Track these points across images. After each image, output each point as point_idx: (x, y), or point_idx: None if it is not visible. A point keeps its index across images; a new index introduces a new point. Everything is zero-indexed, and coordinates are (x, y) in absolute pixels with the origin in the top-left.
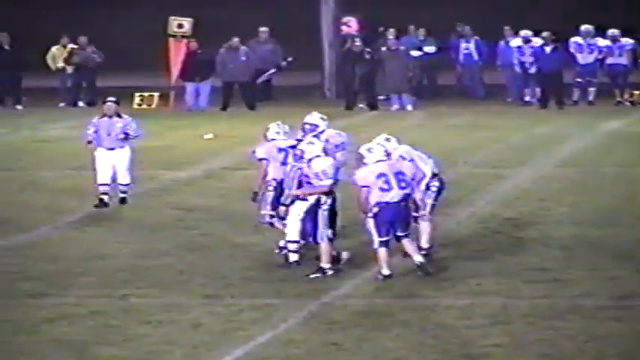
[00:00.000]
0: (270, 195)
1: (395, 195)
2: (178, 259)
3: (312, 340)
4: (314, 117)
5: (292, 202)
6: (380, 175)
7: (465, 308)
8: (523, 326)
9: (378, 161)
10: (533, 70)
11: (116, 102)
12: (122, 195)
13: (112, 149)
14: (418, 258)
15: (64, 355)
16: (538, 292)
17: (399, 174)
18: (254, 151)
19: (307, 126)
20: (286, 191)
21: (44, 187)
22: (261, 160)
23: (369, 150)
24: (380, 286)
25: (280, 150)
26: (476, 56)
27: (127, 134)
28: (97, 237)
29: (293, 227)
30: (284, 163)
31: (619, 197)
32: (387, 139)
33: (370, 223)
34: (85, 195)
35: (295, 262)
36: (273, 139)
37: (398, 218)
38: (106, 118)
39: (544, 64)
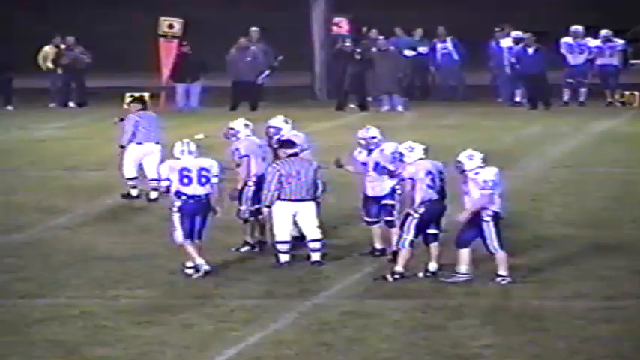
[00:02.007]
0: (251, 190)
1: (436, 193)
2: (169, 259)
3: (303, 340)
4: (277, 120)
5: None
6: (428, 173)
7: (456, 308)
8: (514, 327)
9: (421, 159)
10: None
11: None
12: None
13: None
14: (433, 266)
15: (55, 355)
16: (529, 293)
17: (440, 172)
18: (237, 149)
19: (271, 129)
20: (264, 192)
21: (35, 187)
22: (242, 157)
23: (409, 149)
24: (370, 287)
25: (260, 146)
26: (455, 56)
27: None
28: (88, 237)
29: (281, 228)
30: (264, 159)
31: (610, 198)
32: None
33: (413, 222)
34: (76, 195)
35: (286, 262)
36: (247, 136)
37: (436, 215)
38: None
39: (526, 65)
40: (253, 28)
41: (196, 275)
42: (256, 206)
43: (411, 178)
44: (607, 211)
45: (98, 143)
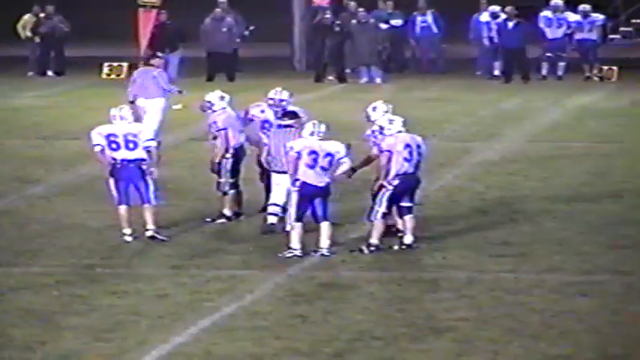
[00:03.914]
0: (229, 162)
1: (412, 166)
2: (144, 229)
3: (278, 311)
4: (284, 92)
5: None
6: (407, 146)
7: (431, 282)
8: (489, 300)
9: (400, 132)
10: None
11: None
12: None
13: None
14: (408, 239)
15: (30, 324)
16: (504, 267)
17: (418, 146)
18: (215, 122)
19: (271, 100)
20: (263, 158)
21: (12, 156)
22: (220, 130)
23: (390, 121)
24: (346, 259)
25: (237, 118)
26: (435, 29)
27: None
28: (64, 207)
29: (276, 192)
30: (241, 131)
31: (588, 172)
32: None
33: (386, 195)
34: (52, 165)
35: (272, 224)
36: (223, 108)
37: (409, 188)
38: None
39: (507, 39)
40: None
41: (128, 239)
42: (234, 178)
43: (389, 150)
44: (585, 186)
45: (76, 112)
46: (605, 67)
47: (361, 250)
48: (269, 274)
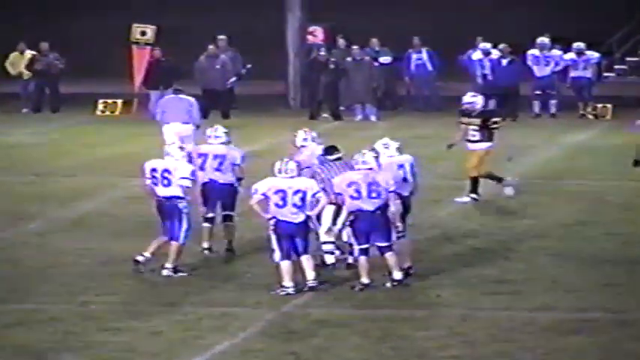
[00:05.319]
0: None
1: (366, 204)
2: (140, 266)
3: (271, 349)
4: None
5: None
6: (351, 184)
7: (424, 319)
8: (482, 338)
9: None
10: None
11: None
12: None
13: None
14: (397, 275)
15: None
16: (498, 304)
17: (371, 184)
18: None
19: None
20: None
21: (6, 192)
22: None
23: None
24: (339, 296)
25: (200, 155)
26: (430, 67)
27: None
28: (58, 243)
29: (327, 229)
30: (201, 169)
31: (581, 210)
32: (386, 146)
33: (348, 231)
34: (47, 201)
35: (332, 264)
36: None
37: (375, 227)
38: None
39: (500, 76)
40: (220, 37)
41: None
42: (209, 214)
43: (339, 193)
44: (578, 224)
45: (71, 149)
46: (600, 105)
47: (353, 288)
48: (262, 311)
